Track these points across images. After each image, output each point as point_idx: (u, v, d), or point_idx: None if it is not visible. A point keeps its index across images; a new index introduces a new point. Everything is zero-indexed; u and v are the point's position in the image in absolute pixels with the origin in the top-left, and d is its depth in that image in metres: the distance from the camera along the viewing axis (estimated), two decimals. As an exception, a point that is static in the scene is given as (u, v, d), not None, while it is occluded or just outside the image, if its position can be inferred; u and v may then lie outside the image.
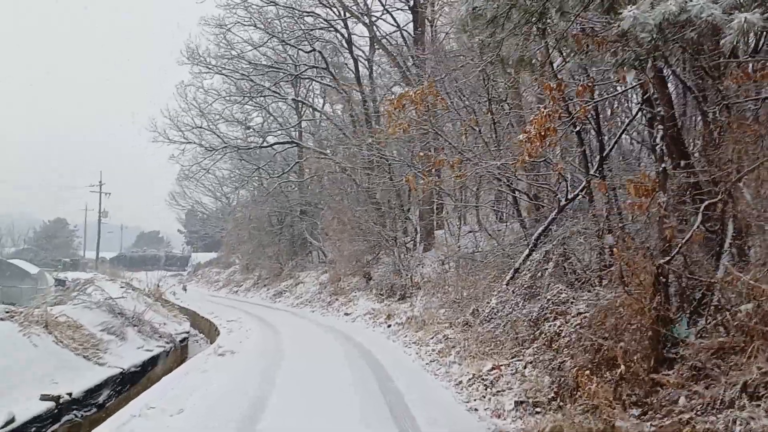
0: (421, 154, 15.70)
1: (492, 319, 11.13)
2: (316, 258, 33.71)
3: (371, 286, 22.77)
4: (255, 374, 9.17)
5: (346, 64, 29.50)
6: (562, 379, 6.55)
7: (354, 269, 24.70)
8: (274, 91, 29.32)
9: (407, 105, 13.46)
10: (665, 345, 5.70)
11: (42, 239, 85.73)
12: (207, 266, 56.30)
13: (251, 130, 32.60)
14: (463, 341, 10.96)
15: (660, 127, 6.57)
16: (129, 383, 9.97)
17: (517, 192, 14.80)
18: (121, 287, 23.10)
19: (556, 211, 12.58)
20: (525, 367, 8.02)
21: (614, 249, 6.27)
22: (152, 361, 11.29)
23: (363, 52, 27.51)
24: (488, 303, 11.96)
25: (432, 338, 12.42)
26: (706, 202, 6.23)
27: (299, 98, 30.97)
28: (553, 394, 6.57)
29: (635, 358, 5.56)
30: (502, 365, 8.28)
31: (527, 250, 12.67)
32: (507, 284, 12.35)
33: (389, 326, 15.77)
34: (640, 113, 11.60)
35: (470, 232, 22.04)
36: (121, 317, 12.04)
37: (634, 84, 7.52)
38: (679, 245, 5.87)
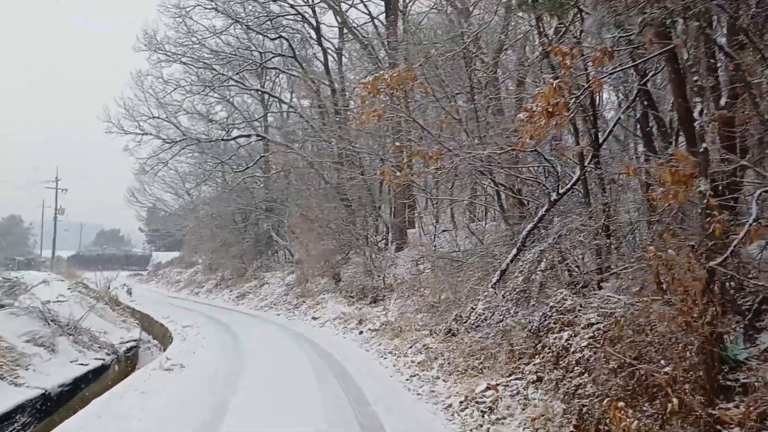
0: (397, 144, 14.42)
1: (479, 326, 9.91)
2: (282, 258, 32.13)
3: (341, 288, 21.39)
4: (204, 398, 7.73)
5: (315, 55, 28.05)
6: (584, 408, 5.31)
7: (322, 270, 23.28)
8: (237, 81, 27.68)
9: (382, 90, 12.13)
10: (720, 369, 4.51)
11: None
12: (168, 266, 54.06)
13: (214, 123, 30.89)
14: (447, 352, 9.71)
15: (698, 100, 5.38)
16: (55, 406, 8.40)
17: (500, 187, 13.65)
18: (69, 288, 21.27)
19: (546, 206, 11.46)
20: (527, 388, 6.79)
21: (651, 248, 5.04)
22: (87, 378, 9.70)
23: (332, 44, 26.12)
24: (473, 308, 10.74)
25: (410, 348, 11.14)
26: (760, 190, 5.07)
27: (265, 89, 29.36)
28: (572, 428, 5.33)
29: (686, 387, 4.35)
30: (498, 384, 7.02)
31: (515, 249, 11.51)
32: (493, 287, 11.16)
33: (361, 333, 14.43)
34: (636, 98, 10.60)
35: (444, 231, 20.87)
36: (53, 325, 10.41)
37: (662, 50, 6.33)
38: (734, 243, 4.69)
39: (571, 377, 6.19)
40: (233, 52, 25.86)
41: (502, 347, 8.31)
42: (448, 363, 9.16)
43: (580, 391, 5.69)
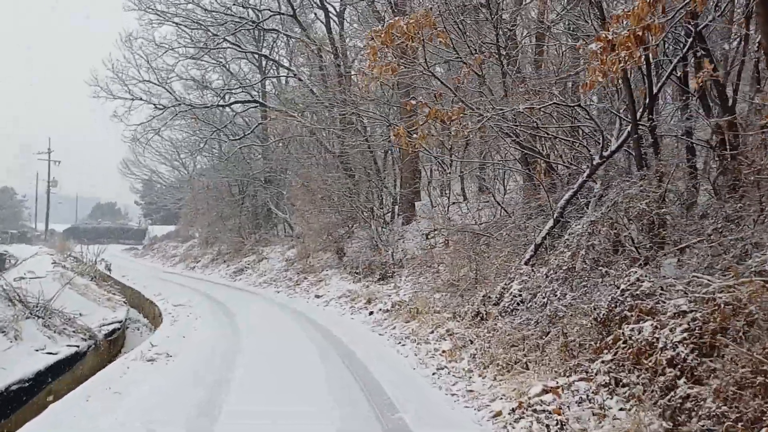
0: (413, 102, 12.81)
1: (515, 310, 8.48)
2: (282, 231, 30.66)
3: (345, 264, 19.97)
4: (192, 399, 6.30)
5: (316, 16, 26.22)
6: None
7: (325, 244, 21.84)
8: (233, 44, 25.86)
9: (397, 40, 10.48)
10: None
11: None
12: (164, 240, 52.59)
13: (209, 89, 29.10)
14: (478, 340, 8.30)
15: None
16: (11, 406, 6.97)
17: (529, 151, 12.11)
18: (53, 263, 19.84)
19: (587, 171, 9.96)
20: (597, 392, 5.36)
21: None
22: (58, 369, 8.28)
23: (334, 7, 24.28)
24: (505, 289, 9.30)
25: (431, 333, 9.73)
26: None
27: (262, 53, 27.54)
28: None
29: None
30: (558, 387, 5.59)
31: (551, 221, 10.05)
32: (528, 264, 9.72)
33: (371, 313, 13.03)
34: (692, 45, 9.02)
35: (459, 201, 19.39)
36: (18, 306, 8.96)
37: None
38: None
39: (666, 383, 4.75)
40: (228, 11, 24.01)
41: (553, 338, 6.88)
42: (482, 353, 7.75)
43: (689, 405, 4.26)
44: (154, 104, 25.28)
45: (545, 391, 5.64)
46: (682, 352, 4.87)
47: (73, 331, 9.35)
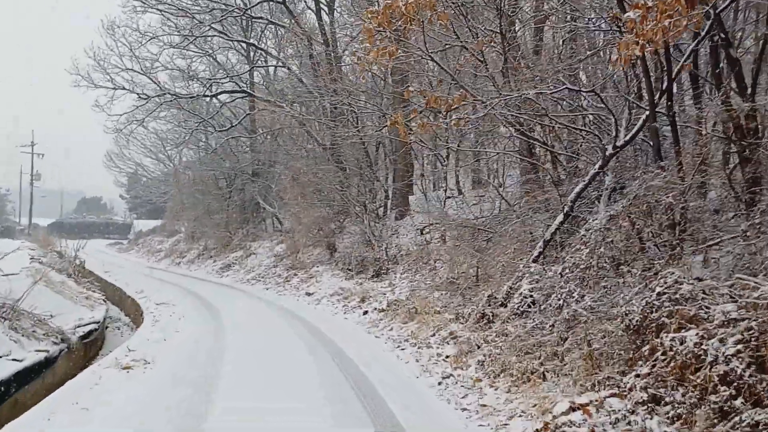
0: (411, 90, 12.09)
1: (526, 312, 7.80)
2: (270, 226, 29.84)
3: (336, 260, 19.24)
4: (171, 417, 5.56)
5: (306, 4, 25.34)
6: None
7: (315, 239, 21.09)
8: (220, 32, 24.95)
9: (395, 21, 9.72)
10: None
11: (-32, 203, 78.60)
12: (149, 234, 51.52)
13: (194, 80, 28.13)
14: (486, 345, 7.62)
15: None
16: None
17: (535, 141, 11.45)
18: (32, 258, 18.94)
19: (600, 162, 9.30)
20: (635, 411, 4.69)
21: None
22: (22, 378, 7.46)
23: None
24: (513, 288, 8.64)
25: (433, 335, 9.05)
26: None
27: (250, 42, 26.63)
28: None
29: None
30: (588, 404, 4.92)
31: (560, 215, 9.37)
32: (536, 261, 9.06)
33: (366, 313, 12.32)
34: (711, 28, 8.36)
35: (452, 195, 18.73)
36: (-18, 308, 8.16)
37: None
38: None
39: (720, 404, 4.09)
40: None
41: (572, 345, 6.21)
42: (492, 360, 7.07)
43: (759, 434, 3.60)
44: (138, 94, 24.37)
45: (572, 409, 4.96)
46: (738, 367, 4.21)
47: (44, 334, 8.54)
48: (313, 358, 8.02)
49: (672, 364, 4.69)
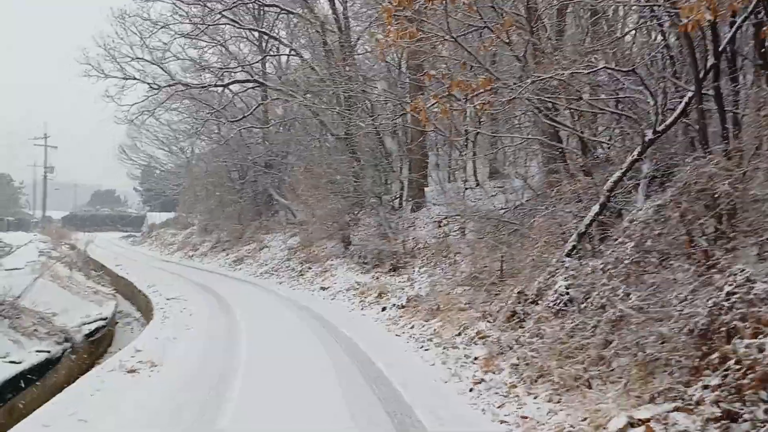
0: (432, 73, 11.42)
1: (562, 311, 7.19)
2: (283, 219, 29.33)
3: (351, 253, 18.69)
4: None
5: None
6: None
7: (329, 232, 20.53)
8: (232, 20, 24.36)
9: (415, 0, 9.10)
10: None
11: (-18, 196, 78.94)
12: (162, 227, 51.27)
13: (206, 70, 27.57)
14: (519, 347, 7.02)
15: None
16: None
17: (564, 127, 10.79)
18: (40, 252, 18.60)
19: (639, 148, 8.62)
20: (705, 430, 4.07)
21: None
22: (20, 381, 6.95)
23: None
24: (547, 285, 8.03)
25: (458, 335, 8.46)
26: None
27: (263, 30, 26.00)
28: None
29: None
30: (650, 419, 4.31)
31: (596, 206, 8.72)
32: (570, 255, 8.44)
33: (384, 309, 11.75)
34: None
35: (470, 187, 18.10)
36: (-20, 306, 7.69)
37: None
38: None
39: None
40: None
41: (619, 349, 5.59)
42: (527, 364, 6.48)
43: None
44: (149, 84, 23.90)
45: (632, 425, 4.36)
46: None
47: (46, 333, 8.05)
48: (333, 363, 7.45)
49: (748, 375, 4.06)
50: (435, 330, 9.11)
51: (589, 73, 8.39)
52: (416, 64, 19.08)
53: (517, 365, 6.59)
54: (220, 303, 13.41)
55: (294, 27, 26.62)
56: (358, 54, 21.79)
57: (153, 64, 24.23)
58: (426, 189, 21.06)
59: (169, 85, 24.35)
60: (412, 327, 9.84)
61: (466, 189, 18.07)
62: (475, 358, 7.45)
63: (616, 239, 7.16)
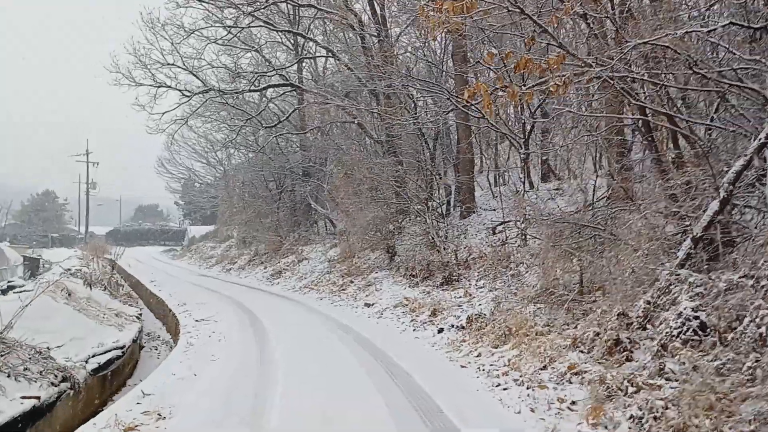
0: (493, 52, 9.76)
1: (693, 341, 5.40)
2: (323, 229, 27.97)
3: (397, 264, 17.09)
4: None
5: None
6: None
7: (372, 242, 18.99)
8: (266, 22, 23.16)
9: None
10: None
11: (30, 213, 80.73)
12: (201, 240, 50.69)
13: (240, 77, 26.44)
14: (635, 390, 5.26)
15: None
16: None
17: (655, 114, 8.96)
18: (69, 270, 17.59)
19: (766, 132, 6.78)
20: None
21: None
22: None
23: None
24: (657, 305, 6.26)
25: (543, 368, 6.73)
26: None
27: (298, 31, 24.73)
28: None
29: None
30: None
31: (714, 203, 6.89)
32: (684, 266, 6.64)
33: (441, 331, 10.08)
34: None
35: (523, 190, 16.26)
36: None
37: None
38: None
39: None
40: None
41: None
42: (654, 416, 4.73)
43: None
44: (180, 90, 22.85)
45: None
46: None
47: (39, 373, 6.63)
48: (390, 413, 5.80)
49: None
50: (510, 361, 7.39)
51: (709, 31, 6.58)
52: (462, 55, 17.50)
53: (641, 418, 4.84)
54: (254, 325, 11.95)
55: (330, 32, 25.28)
56: (400, 53, 20.27)
57: (185, 70, 23.16)
58: (477, 193, 19.38)
59: (202, 92, 23.27)
60: (479, 355, 8.14)
61: (526, 191, 16.33)
62: (573, 403, 5.72)
63: (763, 244, 5.34)
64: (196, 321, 12.37)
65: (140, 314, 13.77)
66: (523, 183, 14.76)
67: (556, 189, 16.92)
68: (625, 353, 6.15)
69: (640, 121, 9.29)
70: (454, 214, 18.98)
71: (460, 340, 9.16)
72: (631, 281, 7.00)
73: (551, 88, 8.28)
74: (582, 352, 6.67)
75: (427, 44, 18.67)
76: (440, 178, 19.35)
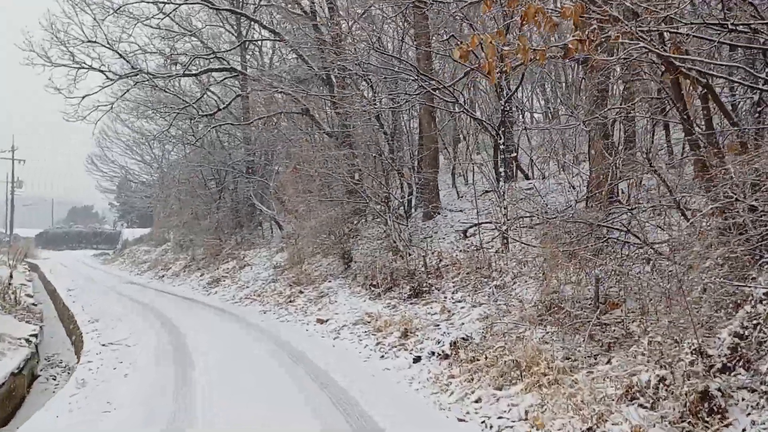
0: None
1: None
2: (268, 232, 25.39)
3: (354, 272, 14.84)
4: None
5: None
6: None
7: (324, 246, 16.71)
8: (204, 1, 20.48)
9: None
10: None
11: (-55, 214, 74.18)
12: (135, 244, 46.99)
13: (177, 64, 23.55)
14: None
15: None
16: None
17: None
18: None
19: None
20: None
21: None
22: None
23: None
24: (746, 335, 4.25)
25: (588, 429, 4.63)
26: None
27: (241, 11, 22.12)
28: None
29: None
30: None
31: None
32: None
33: (417, 360, 7.89)
34: None
35: (490, 190, 14.30)
36: None
37: None
38: None
39: None
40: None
41: None
42: None
43: None
44: (104, 72, 19.91)
45: None
46: None
47: None
48: None
49: None
50: (528, 413, 5.28)
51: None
52: (426, 35, 15.44)
53: None
54: (178, 350, 9.46)
55: (278, 23, 22.65)
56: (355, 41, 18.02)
57: (110, 49, 20.21)
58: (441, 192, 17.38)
59: (129, 75, 20.41)
60: (478, 401, 5.99)
61: (487, 191, 14.43)
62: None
63: None
64: (103, 345, 9.76)
65: (36, 334, 11.01)
66: (499, 179, 12.72)
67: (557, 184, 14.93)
68: (717, 413, 4.12)
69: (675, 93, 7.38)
70: (416, 215, 16.87)
71: (446, 375, 7.00)
72: (708, 303, 5.00)
73: (569, 45, 6.14)
74: (642, 406, 4.61)
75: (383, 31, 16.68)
76: (401, 174, 17.16)
